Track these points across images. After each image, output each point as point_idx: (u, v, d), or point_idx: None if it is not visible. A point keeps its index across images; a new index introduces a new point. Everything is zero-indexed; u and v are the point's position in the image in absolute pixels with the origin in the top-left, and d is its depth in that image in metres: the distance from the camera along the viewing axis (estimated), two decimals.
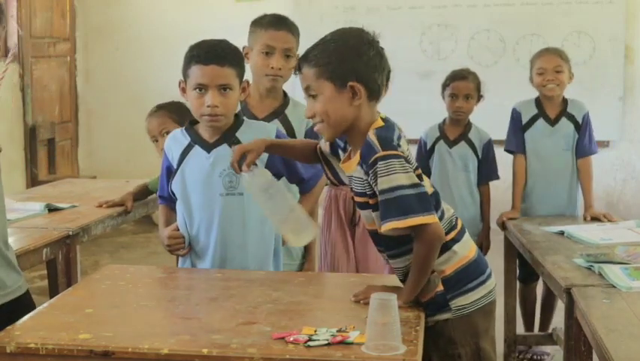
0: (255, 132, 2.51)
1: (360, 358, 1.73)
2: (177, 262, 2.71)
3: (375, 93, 2.11)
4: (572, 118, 3.79)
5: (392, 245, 2.16)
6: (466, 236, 2.23)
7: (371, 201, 2.10)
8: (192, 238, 2.54)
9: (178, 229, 2.56)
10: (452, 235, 2.17)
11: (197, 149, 2.51)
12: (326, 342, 1.79)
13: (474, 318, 2.19)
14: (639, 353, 2.09)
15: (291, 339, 1.81)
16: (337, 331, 1.85)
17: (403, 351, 1.74)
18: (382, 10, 6.85)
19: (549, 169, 3.81)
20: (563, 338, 2.96)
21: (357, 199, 2.16)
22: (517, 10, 6.72)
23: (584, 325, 2.38)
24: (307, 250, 2.98)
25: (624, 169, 6.88)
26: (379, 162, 2.01)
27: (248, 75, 2.60)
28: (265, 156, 2.49)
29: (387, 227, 2.02)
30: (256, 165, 2.24)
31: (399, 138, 2.09)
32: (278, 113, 2.91)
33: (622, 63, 6.66)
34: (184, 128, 2.57)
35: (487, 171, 3.87)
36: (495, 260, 3.96)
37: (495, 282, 2.27)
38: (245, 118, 2.59)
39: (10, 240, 2.35)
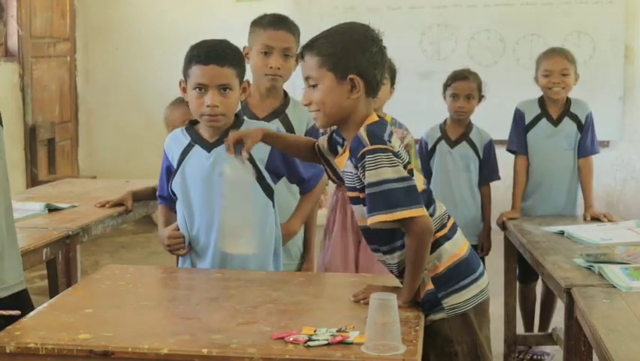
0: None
1: (360, 358, 1.73)
2: (177, 262, 2.71)
3: (373, 89, 2.14)
4: (574, 118, 3.79)
5: (384, 241, 2.16)
6: (458, 234, 2.23)
7: (362, 196, 2.10)
8: (192, 237, 2.53)
9: (178, 229, 2.56)
10: (443, 232, 2.18)
11: (197, 148, 2.51)
12: (326, 342, 1.79)
13: (469, 316, 2.19)
14: (639, 353, 2.09)
15: (291, 339, 1.81)
16: (337, 331, 1.85)
17: (403, 351, 1.74)
18: (382, 10, 6.85)
19: (551, 169, 3.81)
20: (562, 338, 2.96)
21: (350, 194, 2.17)
22: (517, 10, 6.72)
23: (584, 325, 2.38)
24: (306, 250, 2.97)
25: (624, 169, 6.88)
26: (367, 156, 2.04)
27: (248, 75, 2.60)
28: (266, 155, 2.49)
29: (373, 220, 2.03)
30: (247, 159, 2.26)
31: (390, 135, 2.11)
32: (278, 112, 2.91)
33: (622, 63, 6.66)
34: (184, 127, 2.57)
35: (488, 171, 3.87)
36: (495, 260, 3.97)
37: (487, 280, 2.27)
38: (245, 118, 2.59)
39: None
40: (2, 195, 2.23)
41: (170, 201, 2.62)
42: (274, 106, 2.92)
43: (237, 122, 2.52)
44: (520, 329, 3.90)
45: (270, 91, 2.91)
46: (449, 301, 2.16)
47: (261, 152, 2.49)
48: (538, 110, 3.81)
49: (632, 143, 6.83)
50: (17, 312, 2.03)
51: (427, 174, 3.87)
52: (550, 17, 6.66)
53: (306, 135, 2.90)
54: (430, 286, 2.15)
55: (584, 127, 3.76)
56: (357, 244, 3.41)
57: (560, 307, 3.24)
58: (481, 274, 2.24)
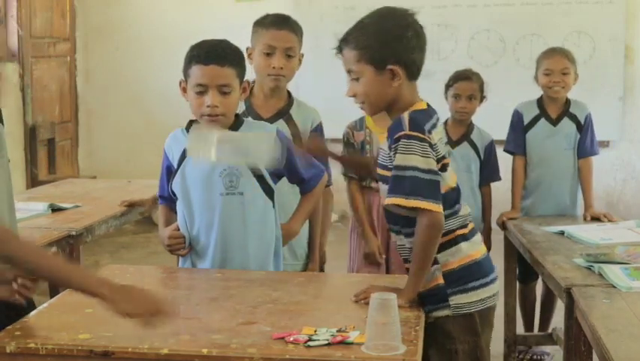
0: (255, 132, 2.51)
1: (360, 358, 1.73)
2: (178, 262, 2.71)
3: (414, 73, 2.18)
4: (574, 118, 3.79)
5: (406, 223, 2.17)
6: (477, 238, 2.25)
7: (390, 175, 2.12)
8: (192, 237, 2.53)
9: (178, 229, 2.55)
10: (462, 231, 2.20)
11: None
12: (326, 342, 1.79)
13: (474, 318, 2.20)
14: (639, 353, 2.09)
15: (291, 339, 1.81)
16: (337, 331, 1.85)
17: (403, 351, 1.75)
18: None
19: (551, 169, 3.81)
20: (562, 338, 2.96)
21: (380, 172, 2.20)
22: (517, 10, 6.72)
23: (584, 325, 2.38)
24: (311, 250, 2.97)
25: (624, 169, 6.88)
26: (402, 140, 2.07)
27: (251, 75, 2.59)
28: None
29: (390, 201, 2.08)
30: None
31: (433, 126, 2.14)
32: (283, 113, 2.91)
33: (622, 63, 6.66)
34: (184, 127, 2.57)
35: (488, 172, 3.86)
36: (495, 260, 3.96)
37: (498, 289, 2.28)
38: (245, 118, 2.59)
39: None
40: (6, 194, 2.24)
41: (170, 201, 2.61)
42: (278, 106, 2.92)
43: (237, 122, 2.52)
44: (520, 329, 3.90)
45: (274, 91, 2.91)
46: (456, 300, 2.17)
47: None
48: (536, 111, 3.82)
49: (632, 143, 6.83)
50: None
51: None
52: (550, 17, 6.66)
53: (310, 134, 2.91)
54: (440, 281, 2.17)
55: (584, 128, 3.77)
56: (386, 244, 3.40)
57: (559, 307, 3.24)
58: (493, 281, 2.25)
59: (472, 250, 2.22)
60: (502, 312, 3.80)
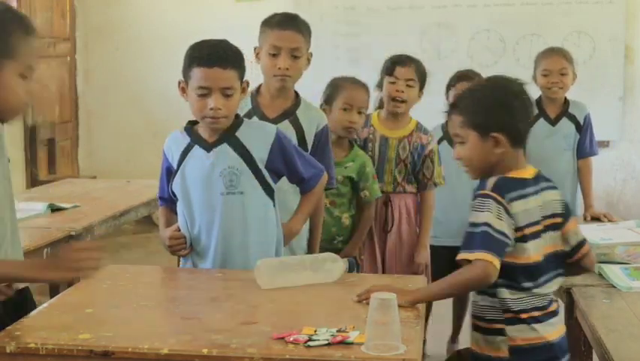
0: (255, 132, 2.51)
1: (360, 358, 1.73)
2: (178, 263, 2.71)
3: (518, 141, 2.24)
4: (573, 118, 3.80)
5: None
6: (555, 319, 2.20)
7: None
8: (193, 237, 2.53)
9: (179, 230, 2.55)
10: (536, 313, 2.16)
11: (197, 149, 2.51)
12: (326, 342, 1.79)
13: None
14: (639, 353, 2.09)
15: (291, 339, 1.81)
16: (337, 331, 1.85)
17: (403, 351, 1.74)
18: (382, 10, 6.84)
19: (550, 169, 3.77)
20: None
21: None
22: (517, 10, 6.71)
23: (584, 325, 2.38)
24: (311, 250, 2.97)
25: (624, 169, 6.88)
26: (479, 198, 2.18)
27: (258, 75, 2.59)
28: (266, 154, 2.49)
29: (459, 256, 2.13)
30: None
31: (521, 196, 2.17)
32: (289, 113, 2.89)
33: (622, 63, 6.66)
34: (184, 127, 2.57)
35: None
36: None
37: None
38: (245, 119, 2.58)
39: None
40: (6, 194, 2.24)
41: (170, 202, 2.61)
42: (285, 107, 2.90)
43: (237, 122, 2.51)
44: None
45: (280, 91, 2.89)
46: None
47: (261, 151, 2.49)
48: (535, 111, 3.81)
49: (632, 143, 6.83)
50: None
51: None
52: (550, 17, 6.66)
53: (315, 137, 2.88)
54: (505, 354, 2.15)
55: (583, 128, 3.77)
56: (383, 243, 3.40)
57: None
58: None
59: (545, 331, 2.17)
60: None
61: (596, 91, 6.31)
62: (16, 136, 6.41)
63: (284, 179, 2.60)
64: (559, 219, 2.24)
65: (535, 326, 2.15)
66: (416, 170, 3.40)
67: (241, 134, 2.50)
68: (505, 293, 2.14)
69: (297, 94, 2.93)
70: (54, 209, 3.47)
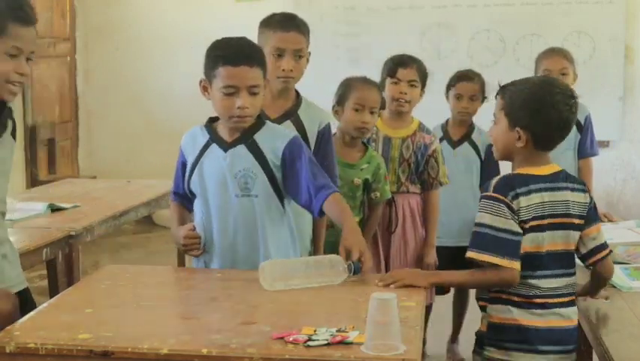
0: (272, 137, 2.48)
1: (360, 358, 1.73)
2: (179, 263, 2.70)
3: (542, 145, 2.31)
4: None
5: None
6: (542, 312, 2.27)
7: None
8: (208, 237, 2.51)
9: (194, 229, 2.52)
10: (515, 298, 2.27)
11: (214, 147, 2.49)
12: (325, 342, 1.79)
13: None
14: (639, 353, 2.09)
15: (291, 339, 1.80)
16: (337, 331, 1.85)
17: (403, 351, 1.74)
18: (382, 10, 6.85)
19: None
20: None
21: None
22: (517, 10, 6.71)
23: (584, 325, 2.38)
24: (316, 249, 2.97)
25: (624, 169, 6.88)
26: (482, 200, 2.28)
27: None
28: (278, 161, 2.45)
29: (467, 254, 2.29)
30: None
31: (524, 193, 2.24)
32: (290, 113, 2.87)
33: (622, 63, 6.66)
34: (203, 125, 2.54)
35: (489, 172, 3.85)
36: None
37: None
38: (267, 121, 2.55)
39: (12, 239, 2.37)
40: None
41: (184, 198, 2.59)
42: (286, 107, 2.88)
43: (259, 122, 2.50)
44: None
45: (282, 92, 2.88)
46: (491, 352, 2.32)
47: (275, 157, 2.46)
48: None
49: (632, 143, 6.83)
50: None
51: None
52: (550, 17, 6.66)
53: (318, 136, 2.87)
54: (483, 328, 2.34)
55: (583, 128, 3.77)
56: (387, 244, 3.39)
57: None
58: (540, 352, 2.26)
59: (522, 316, 2.27)
60: None
61: (596, 91, 6.31)
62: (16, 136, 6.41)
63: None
64: (575, 220, 2.30)
65: (512, 308, 2.27)
66: (419, 170, 3.39)
67: (259, 137, 2.47)
68: None
69: (297, 93, 2.93)
70: (54, 209, 3.47)
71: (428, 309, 3.61)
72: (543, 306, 2.27)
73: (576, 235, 2.30)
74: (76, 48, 7.39)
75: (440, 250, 3.84)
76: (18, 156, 6.43)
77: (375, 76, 3.47)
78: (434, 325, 3.96)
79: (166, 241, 6.24)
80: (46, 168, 6.82)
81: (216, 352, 1.76)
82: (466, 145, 3.84)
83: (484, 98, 3.83)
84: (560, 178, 2.33)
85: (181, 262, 4.09)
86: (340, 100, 3.20)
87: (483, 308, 2.37)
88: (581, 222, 2.31)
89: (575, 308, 2.33)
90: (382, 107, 3.47)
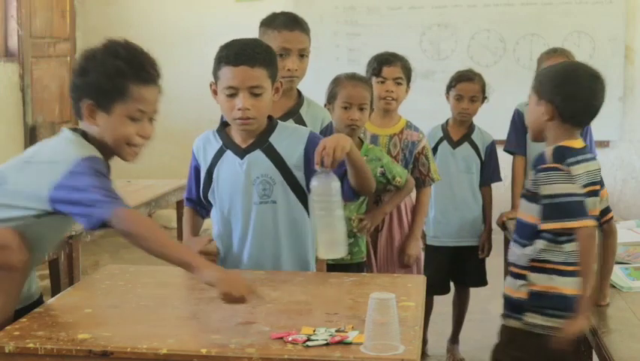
0: (288, 137, 2.44)
1: (359, 358, 1.73)
2: None
3: (569, 119, 2.37)
4: None
5: (526, 236, 2.39)
6: (576, 279, 2.31)
7: (527, 194, 2.40)
8: (226, 246, 2.48)
9: (210, 240, 2.48)
10: (560, 267, 2.32)
11: (229, 154, 2.44)
12: (325, 342, 1.79)
13: (542, 340, 2.31)
14: (639, 353, 2.09)
15: (290, 339, 1.81)
16: (336, 331, 1.85)
17: (402, 351, 1.74)
18: (382, 10, 6.85)
19: None
20: None
21: (524, 192, 2.45)
22: (517, 10, 6.71)
23: None
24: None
25: (624, 169, 6.88)
26: (542, 173, 2.33)
27: None
28: (301, 161, 2.41)
29: (547, 226, 2.31)
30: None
31: (576, 162, 2.32)
32: (293, 112, 2.86)
33: (622, 63, 6.66)
34: (215, 130, 2.51)
35: (489, 172, 3.87)
36: (495, 260, 3.97)
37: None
38: (279, 121, 2.51)
39: None
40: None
41: (197, 204, 2.56)
42: (288, 106, 2.87)
43: (270, 125, 2.45)
44: None
45: (286, 91, 2.87)
46: (532, 317, 2.35)
47: (295, 158, 2.41)
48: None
49: (632, 143, 6.83)
50: None
51: None
52: (550, 17, 6.66)
53: (320, 134, 2.88)
54: (523, 296, 2.36)
55: (583, 130, 3.77)
56: (375, 244, 3.39)
57: None
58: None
59: (563, 284, 2.32)
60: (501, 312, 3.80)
61: None
62: (16, 136, 6.42)
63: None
64: (598, 187, 2.40)
65: (554, 277, 2.32)
66: (408, 168, 3.39)
67: (275, 139, 2.43)
68: (541, 245, 2.33)
69: (299, 92, 2.92)
70: None
71: (428, 309, 3.61)
72: (576, 274, 2.32)
73: (598, 199, 2.42)
74: (76, 48, 7.39)
75: (440, 249, 3.85)
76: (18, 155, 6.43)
77: None
78: (434, 325, 3.96)
79: None
80: None
81: (215, 352, 1.76)
82: (466, 145, 3.84)
83: (484, 98, 3.83)
84: (587, 151, 2.43)
85: None
86: (330, 98, 3.19)
87: (521, 276, 2.38)
88: (600, 186, 2.42)
89: None
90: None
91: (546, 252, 2.33)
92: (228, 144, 2.45)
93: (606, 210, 2.45)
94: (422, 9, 6.84)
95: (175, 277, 2.52)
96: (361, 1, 6.87)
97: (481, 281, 3.95)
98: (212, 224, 2.55)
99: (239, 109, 2.34)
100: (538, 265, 2.34)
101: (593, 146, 3.84)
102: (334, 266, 2.77)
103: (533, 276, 2.35)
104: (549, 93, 2.37)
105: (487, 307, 4.40)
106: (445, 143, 3.85)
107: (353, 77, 3.20)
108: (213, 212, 2.52)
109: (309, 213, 2.46)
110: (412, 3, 6.84)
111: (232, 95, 2.35)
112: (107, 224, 1.98)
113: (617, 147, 6.79)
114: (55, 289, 3.26)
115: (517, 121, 3.86)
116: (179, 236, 4.90)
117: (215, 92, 2.43)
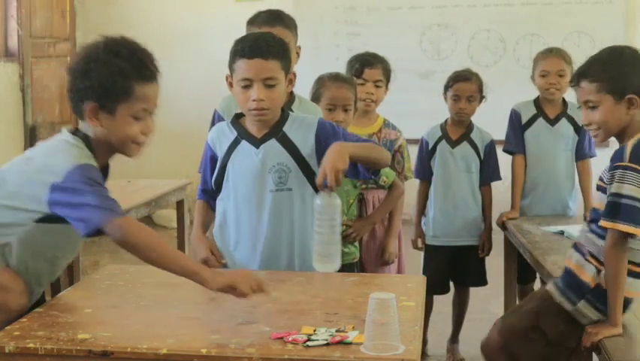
0: (299, 126, 2.48)
1: (359, 358, 1.73)
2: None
3: None
4: (571, 120, 3.81)
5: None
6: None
7: (603, 185, 2.35)
8: (239, 235, 2.49)
9: (216, 247, 2.51)
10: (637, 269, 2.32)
11: (244, 144, 2.48)
12: (325, 342, 1.79)
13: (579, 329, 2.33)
14: (639, 353, 2.09)
15: (290, 339, 1.81)
16: (336, 331, 1.85)
17: (402, 351, 1.74)
18: (382, 10, 6.85)
19: (549, 168, 3.82)
20: None
21: (599, 183, 2.40)
22: (517, 10, 6.72)
23: (585, 325, 2.38)
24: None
25: None
26: (619, 170, 2.27)
27: None
28: (312, 149, 2.44)
29: (606, 224, 2.26)
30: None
31: None
32: (284, 110, 2.89)
33: None
34: (230, 121, 2.54)
35: (489, 172, 3.86)
36: (495, 260, 3.97)
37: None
38: (290, 112, 2.56)
39: None
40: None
41: (212, 198, 2.58)
42: None
43: (283, 116, 2.49)
44: None
45: None
46: (584, 308, 2.36)
47: (308, 146, 2.45)
48: (534, 111, 3.84)
49: None
50: None
51: (428, 174, 3.86)
52: (550, 17, 6.66)
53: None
54: (590, 283, 2.35)
55: (582, 130, 3.78)
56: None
57: None
58: None
59: (632, 286, 2.31)
60: (502, 312, 3.80)
61: None
62: (16, 136, 6.42)
63: None
64: None
65: (631, 279, 2.29)
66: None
67: (288, 129, 2.47)
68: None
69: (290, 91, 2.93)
70: None
71: (428, 308, 3.61)
72: None
73: None
74: (76, 48, 7.39)
75: (440, 249, 3.85)
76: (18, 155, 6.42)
77: None
78: (434, 325, 3.96)
79: (166, 241, 6.24)
80: None
81: (215, 352, 1.76)
82: (465, 144, 3.84)
83: (482, 97, 3.83)
84: None
85: None
86: (314, 99, 3.18)
87: (578, 250, 2.41)
88: None
89: None
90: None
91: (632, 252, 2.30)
92: (243, 134, 2.49)
93: None
94: (422, 9, 6.84)
95: (175, 277, 2.51)
96: (361, 1, 6.87)
97: (481, 281, 3.95)
98: (216, 215, 2.55)
99: (253, 100, 2.39)
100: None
101: (593, 145, 3.84)
102: None
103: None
104: (630, 86, 2.32)
105: (487, 307, 4.40)
106: (443, 142, 3.85)
107: (337, 78, 3.20)
108: (221, 202, 2.53)
109: None
110: (412, 3, 6.84)
111: (247, 87, 2.41)
112: (103, 231, 1.99)
113: (616, 146, 6.78)
114: (55, 289, 3.25)
115: (515, 120, 3.86)
116: (180, 236, 4.91)
117: (231, 85, 2.48)
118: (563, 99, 3.84)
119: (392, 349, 1.74)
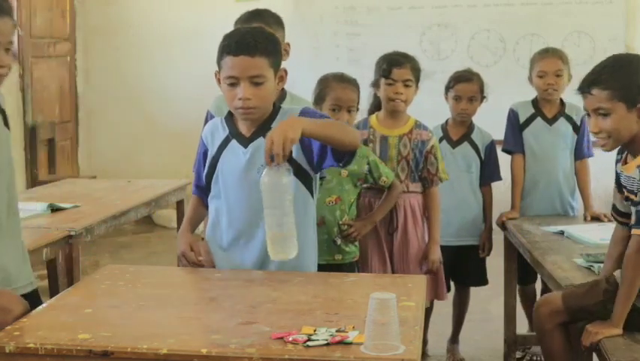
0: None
1: (359, 358, 1.73)
2: (178, 263, 2.69)
3: None
4: (570, 119, 3.81)
5: None
6: None
7: (634, 199, 2.35)
8: (233, 234, 2.46)
9: (206, 246, 2.48)
10: None
11: (234, 143, 2.44)
12: (325, 342, 1.79)
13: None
14: (638, 353, 2.09)
15: (290, 339, 1.80)
16: (336, 331, 1.85)
17: (402, 351, 1.74)
18: (382, 10, 6.85)
19: (548, 168, 3.82)
20: None
21: (629, 195, 2.40)
22: (517, 10, 6.72)
23: (584, 325, 2.38)
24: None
25: None
26: None
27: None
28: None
29: (634, 231, 2.28)
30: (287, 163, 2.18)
31: None
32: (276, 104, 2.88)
33: None
34: (223, 118, 2.51)
35: (489, 172, 3.86)
36: (495, 260, 3.97)
37: None
38: (281, 106, 2.49)
39: None
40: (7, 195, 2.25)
41: (205, 194, 2.54)
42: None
43: (274, 112, 2.44)
44: (520, 329, 3.89)
45: None
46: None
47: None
48: (532, 110, 3.84)
49: None
50: None
51: None
52: (550, 17, 6.66)
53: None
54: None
55: (580, 129, 3.78)
56: (390, 246, 3.38)
57: None
58: None
59: None
60: (502, 312, 3.80)
61: None
62: (16, 136, 6.42)
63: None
64: None
65: None
66: (419, 167, 3.38)
67: (276, 124, 2.38)
68: None
69: (282, 88, 2.90)
70: (54, 209, 3.47)
71: (429, 309, 3.61)
72: None
73: None
74: (76, 48, 7.39)
75: (440, 248, 3.85)
76: (18, 156, 6.44)
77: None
78: (434, 325, 3.96)
79: (166, 241, 6.24)
80: (46, 168, 6.82)
81: (216, 352, 1.76)
82: (465, 145, 3.84)
83: (483, 98, 3.83)
84: None
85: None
86: (318, 99, 3.17)
87: None
88: None
89: None
90: (378, 107, 3.46)
91: None
92: (234, 133, 2.46)
93: None
94: (422, 9, 6.84)
95: (175, 277, 2.52)
96: (361, 1, 6.87)
97: (482, 281, 3.95)
98: (208, 214, 2.53)
99: (239, 99, 2.34)
100: None
101: (591, 146, 3.84)
102: (325, 266, 2.77)
103: None
104: None
105: (487, 307, 4.40)
106: (444, 142, 3.85)
107: (342, 79, 3.18)
108: (210, 201, 2.51)
109: (313, 196, 2.46)
110: (412, 3, 6.84)
111: (233, 85, 2.35)
112: None
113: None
114: (54, 290, 3.25)
115: (513, 119, 3.86)
116: None
117: (219, 81, 2.43)
118: (561, 99, 3.84)
119: (392, 349, 1.74)
